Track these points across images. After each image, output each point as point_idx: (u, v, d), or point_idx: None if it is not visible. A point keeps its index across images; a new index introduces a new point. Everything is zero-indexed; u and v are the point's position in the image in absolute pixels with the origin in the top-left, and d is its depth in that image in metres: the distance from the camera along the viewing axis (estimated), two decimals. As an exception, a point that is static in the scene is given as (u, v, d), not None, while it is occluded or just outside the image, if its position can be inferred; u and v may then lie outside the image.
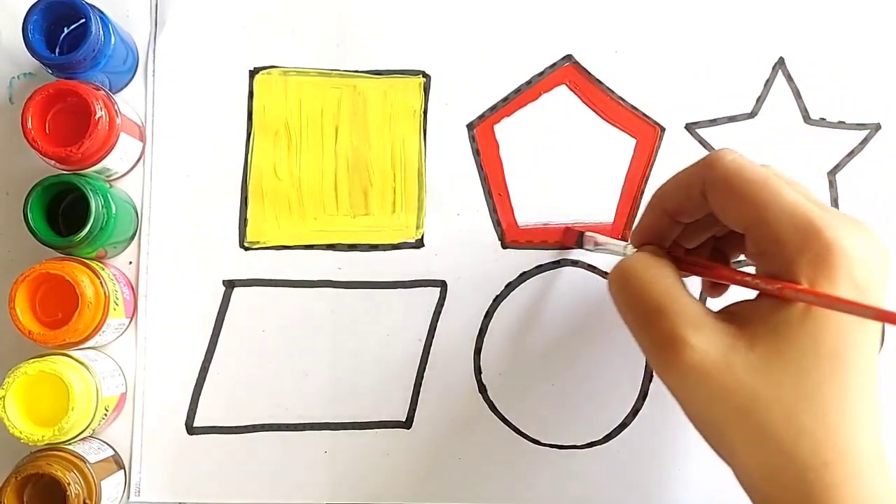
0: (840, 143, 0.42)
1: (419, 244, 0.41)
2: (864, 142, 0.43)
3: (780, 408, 0.28)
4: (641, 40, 0.42)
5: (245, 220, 0.41)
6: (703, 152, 0.42)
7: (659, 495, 0.41)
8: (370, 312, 0.41)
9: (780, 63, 0.43)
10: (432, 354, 0.41)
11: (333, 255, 0.41)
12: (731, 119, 0.42)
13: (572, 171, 0.42)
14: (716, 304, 0.33)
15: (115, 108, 0.37)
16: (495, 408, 0.41)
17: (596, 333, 0.41)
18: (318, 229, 0.41)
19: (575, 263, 0.42)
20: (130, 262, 0.41)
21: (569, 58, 0.42)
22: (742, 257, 0.36)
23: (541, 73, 0.42)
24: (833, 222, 0.28)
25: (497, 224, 0.42)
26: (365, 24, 0.42)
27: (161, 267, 0.41)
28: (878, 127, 0.43)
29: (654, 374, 0.31)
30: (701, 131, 0.42)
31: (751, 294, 0.31)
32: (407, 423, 0.41)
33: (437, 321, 0.41)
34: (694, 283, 0.38)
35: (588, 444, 0.41)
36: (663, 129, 0.42)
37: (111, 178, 0.40)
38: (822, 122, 0.43)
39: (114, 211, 0.37)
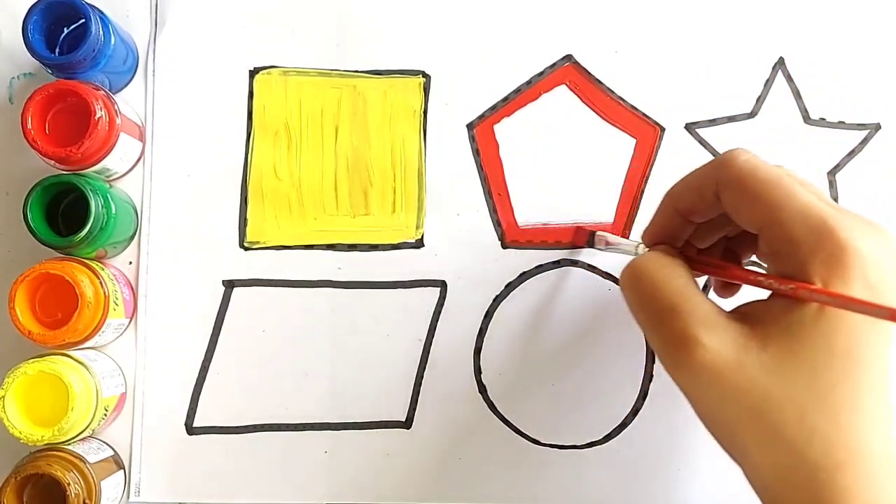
0: (840, 143, 0.42)
1: (419, 244, 0.41)
2: (864, 142, 0.43)
3: (793, 408, 0.28)
4: (641, 40, 0.42)
5: (245, 220, 0.41)
6: (703, 152, 0.42)
7: (659, 495, 0.41)
8: (370, 312, 0.41)
9: (780, 63, 0.43)
10: (432, 354, 0.41)
11: (333, 255, 0.41)
12: (731, 119, 0.42)
13: (572, 171, 0.42)
14: (727, 304, 0.32)
15: (115, 108, 0.37)
16: (495, 408, 0.41)
17: (596, 333, 0.41)
18: (318, 229, 0.41)
19: (575, 263, 0.42)
20: (130, 262, 0.41)
21: (569, 58, 0.42)
22: (753, 258, 0.36)
23: (541, 73, 0.42)
24: (847, 223, 0.28)
25: (497, 224, 0.42)
26: (365, 24, 0.42)
27: (161, 267, 0.41)
28: (878, 127, 0.43)
29: (666, 373, 0.31)
30: (701, 131, 0.42)
31: (762, 294, 0.31)
32: (407, 423, 0.41)
33: (437, 321, 0.41)
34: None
35: (588, 444, 0.41)
36: (663, 129, 0.42)
37: (111, 178, 0.40)
38: (822, 122, 0.43)
39: (114, 211, 0.37)
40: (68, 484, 0.35)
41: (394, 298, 0.41)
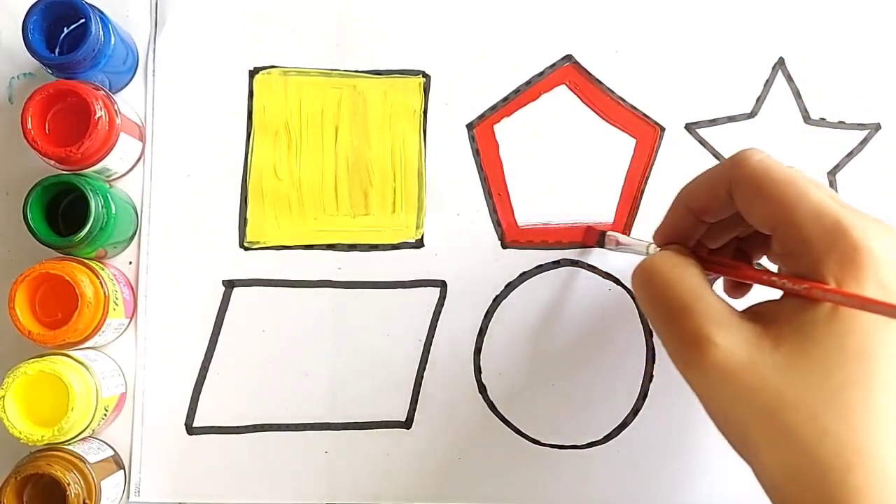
0: (840, 143, 0.42)
1: (419, 244, 0.41)
2: (864, 142, 0.43)
3: (805, 408, 0.28)
4: (641, 40, 0.42)
5: (245, 220, 0.41)
6: (703, 152, 0.42)
7: (659, 495, 0.41)
8: (370, 312, 0.41)
9: (780, 63, 0.43)
10: (432, 354, 0.41)
11: (333, 255, 0.41)
12: (731, 119, 0.42)
13: (572, 171, 0.42)
14: (739, 305, 0.32)
15: (115, 108, 0.37)
16: (495, 408, 0.41)
17: (596, 333, 0.41)
18: (318, 229, 0.41)
19: (575, 263, 0.42)
20: (130, 262, 0.41)
21: (569, 58, 0.42)
22: (762, 260, 0.36)
23: (541, 73, 0.42)
24: (860, 223, 0.28)
25: (497, 224, 0.42)
26: (365, 24, 0.42)
27: (161, 267, 0.41)
28: (878, 127, 0.43)
29: (677, 371, 0.31)
30: (701, 131, 0.42)
31: (774, 294, 0.31)
32: (407, 423, 0.41)
33: (437, 321, 0.41)
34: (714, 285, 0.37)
35: (588, 444, 0.41)
36: (663, 129, 0.42)
37: (111, 178, 0.40)
38: (822, 122, 0.43)
39: (114, 211, 0.37)
40: (68, 484, 0.35)
41: (394, 298, 0.41)
